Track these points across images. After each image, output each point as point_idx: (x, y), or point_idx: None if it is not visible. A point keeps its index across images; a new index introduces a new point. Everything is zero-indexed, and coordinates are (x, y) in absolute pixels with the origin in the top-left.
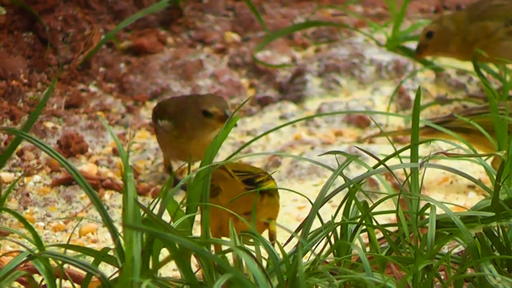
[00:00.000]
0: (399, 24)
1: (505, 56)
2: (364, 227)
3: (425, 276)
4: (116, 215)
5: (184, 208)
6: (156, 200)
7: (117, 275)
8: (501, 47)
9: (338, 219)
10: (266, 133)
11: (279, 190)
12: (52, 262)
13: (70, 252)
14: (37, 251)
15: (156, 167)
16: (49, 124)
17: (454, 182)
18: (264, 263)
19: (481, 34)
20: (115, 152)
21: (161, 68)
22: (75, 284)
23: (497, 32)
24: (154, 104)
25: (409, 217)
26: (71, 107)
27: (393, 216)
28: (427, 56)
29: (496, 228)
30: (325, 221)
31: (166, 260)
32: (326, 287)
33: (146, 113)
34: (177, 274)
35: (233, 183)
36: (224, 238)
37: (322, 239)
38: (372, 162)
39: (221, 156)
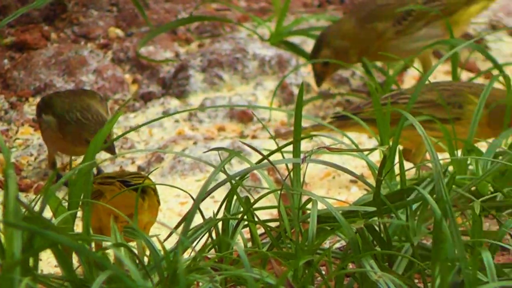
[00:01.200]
0: (283, 19)
1: (394, 55)
2: (246, 222)
3: (306, 272)
4: None
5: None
6: (38, 197)
7: None
8: (391, 47)
9: (221, 214)
10: (141, 125)
11: (162, 186)
12: None
13: None
14: None
15: (39, 163)
16: None
17: (336, 177)
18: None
19: (372, 36)
20: None
21: (44, 63)
22: None
23: (386, 32)
24: (38, 100)
25: (291, 212)
26: None
27: (275, 212)
28: (328, 75)
29: (377, 223)
30: (207, 217)
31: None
32: (207, 283)
33: (29, 109)
34: (59, 270)
35: (116, 191)
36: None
37: (204, 235)
38: (255, 157)
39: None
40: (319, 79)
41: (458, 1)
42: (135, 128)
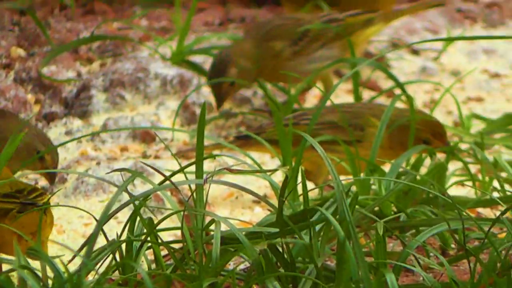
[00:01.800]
0: (184, 38)
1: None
2: (150, 244)
3: None
4: None
5: None
6: None
7: None
8: (287, 67)
9: (125, 236)
10: (48, 150)
11: (65, 207)
12: None
13: None
14: None
15: None
16: None
17: (239, 197)
18: None
19: (269, 54)
20: None
21: None
22: None
23: (283, 52)
24: None
25: (194, 233)
26: None
27: (179, 233)
28: (230, 95)
29: (280, 244)
30: (111, 238)
31: None
32: None
33: None
34: None
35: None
36: (8, 257)
37: (108, 257)
38: (159, 177)
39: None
40: (220, 100)
41: (355, 23)
42: (40, 153)
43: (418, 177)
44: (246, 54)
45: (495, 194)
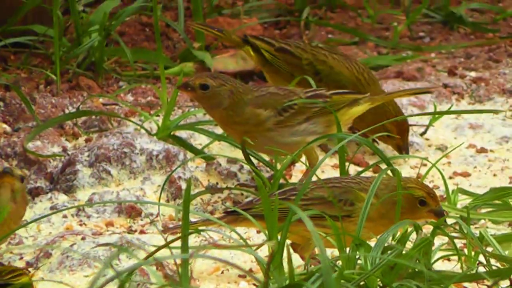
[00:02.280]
0: (169, 113)
1: (271, 147)
2: None
3: None
4: None
5: None
6: None
7: None
8: (267, 137)
9: None
10: (30, 222)
11: (51, 282)
12: None
13: None
14: None
15: None
16: None
17: (225, 271)
18: None
19: (252, 120)
20: None
21: None
22: None
23: (267, 121)
24: None
25: None
26: None
27: None
28: (191, 96)
29: None
30: None
31: None
32: None
33: None
34: None
35: None
36: None
37: None
38: (144, 252)
39: None
40: (184, 87)
41: (341, 101)
42: (24, 225)
43: (403, 252)
44: (235, 90)
45: (481, 269)
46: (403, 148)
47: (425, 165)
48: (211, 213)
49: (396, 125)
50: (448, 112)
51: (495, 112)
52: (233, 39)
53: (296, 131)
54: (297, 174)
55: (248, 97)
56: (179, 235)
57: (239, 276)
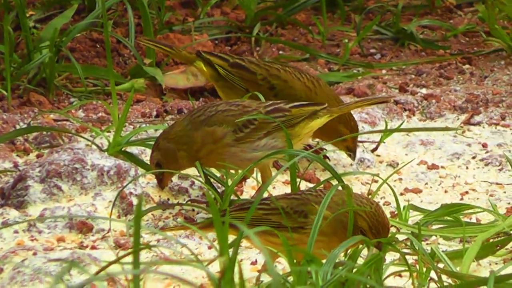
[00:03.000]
0: (121, 129)
1: (233, 162)
2: None
3: None
4: None
5: None
6: None
7: None
8: (229, 153)
9: None
10: None
11: None
12: None
13: None
14: None
15: None
16: None
17: (176, 287)
18: None
19: (208, 139)
20: None
21: None
22: None
23: (225, 137)
24: None
25: None
26: None
27: None
28: (168, 178)
29: None
30: None
31: None
32: None
33: None
34: None
35: None
36: None
37: None
38: (96, 267)
39: None
40: (159, 181)
41: (300, 114)
42: None
43: (355, 268)
44: (174, 137)
45: (433, 285)
46: (352, 150)
47: (376, 181)
48: (162, 229)
49: (350, 129)
50: (399, 129)
51: (450, 129)
52: (183, 55)
53: (257, 146)
54: (248, 190)
55: (184, 125)
56: (130, 250)
57: None
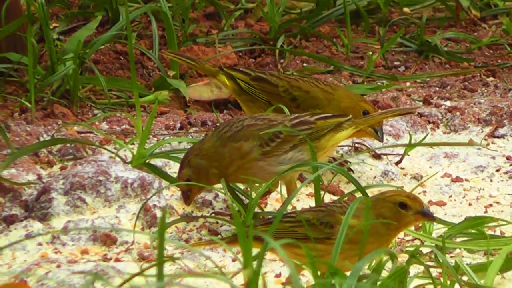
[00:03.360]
0: (144, 141)
1: (260, 176)
2: None
3: None
4: None
5: None
6: None
7: None
8: (256, 167)
9: None
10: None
11: None
12: None
13: None
14: None
15: None
16: None
17: None
18: None
19: (235, 155)
20: None
21: None
22: None
23: (252, 152)
24: None
25: None
26: None
27: None
28: (195, 194)
29: None
30: None
31: None
32: None
33: None
34: None
35: None
36: None
37: None
38: (119, 280)
39: None
40: (186, 198)
41: (325, 127)
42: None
43: (379, 281)
44: (204, 154)
45: None
46: (379, 130)
47: None
48: (186, 241)
49: (372, 107)
50: (422, 144)
51: (472, 145)
52: (206, 68)
53: (283, 159)
54: (272, 202)
55: (213, 141)
56: (154, 262)
57: None
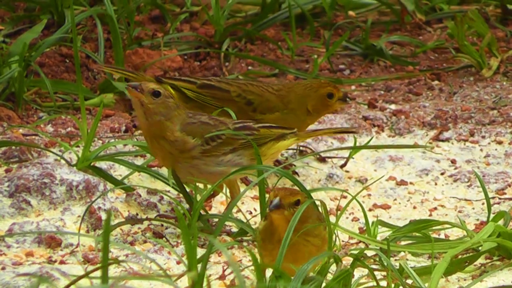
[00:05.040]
0: (90, 144)
1: (194, 175)
2: None
3: None
4: None
5: None
6: None
7: None
8: (189, 164)
9: None
10: None
11: None
12: None
13: None
14: None
15: None
16: None
17: None
18: None
19: (178, 146)
20: None
21: None
22: None
23: (193, 150)
24: None
25: None
26: None
27: None
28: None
29: None
30: None
31: None
32: None
33: None
34: None
35: None
36: None
37: None
38: (64, 282)
39: None
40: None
41: (268, 135)
42: None
43: (324, 283)
44: (175, 116)
45: None
46: (343, 97)
47: (345, 197)
48: (131, 243)
49: (332, 86)
50: (368, 146)
51: (418, 147)
52: (146, 79)
53: (221, 161)
54: (217, 205)
55: (183, 118)
56: (99, 265)
57: None
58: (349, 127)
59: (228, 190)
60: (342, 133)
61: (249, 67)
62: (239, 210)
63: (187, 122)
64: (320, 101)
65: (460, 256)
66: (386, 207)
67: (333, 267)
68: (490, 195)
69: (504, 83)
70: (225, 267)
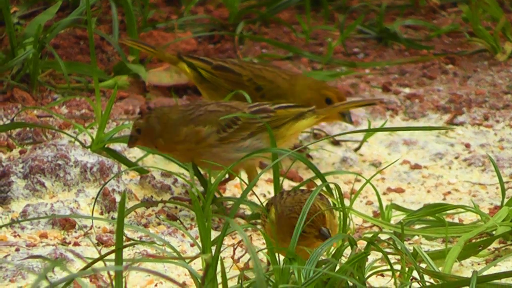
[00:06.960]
0: (104, 126)
1: (215, 162)
2: None
3: None
4: None
5: None
6: None
7: None
8: (210, 153)
9: None
10: None
11: None
12: None
13: None
14: None
15: None
16: None
17: (159, 284)
18: None
19: (191, 138)
20: None
21: None
22: None
23: (209, 138)
24: None
25: None
26: None
27: None
28: (140, 144)
29: None
30: None
31: None
32: None
33: None
34: None
35: None
36: None
37: None
38: (78, 263)
39: None
40: (130, 141)
41: (285, 116)
42: None
43: (338, 266)
44: (164, 121)
45: (415, 285)
46: (346, 114)
47: (359, 180)
48: (145, 226)
49: (335, 93)
50: (382, 129)
51: (433, 129)
52: (166, 56)
53: (240, 147)
54: (231, 188)
55: (178, 116)
56: (113, 247)
57: None
58: (368, 99)
59: (242, 174)
60: (364, 106)
61: (263, 50)
62: (253, 193)
63: (191, 118)
64: (319, 102)
65: (474, 240)
66: (400, 191)
67: (347, 250)
68: (504, 179)
69: None
70: (236, 250)
